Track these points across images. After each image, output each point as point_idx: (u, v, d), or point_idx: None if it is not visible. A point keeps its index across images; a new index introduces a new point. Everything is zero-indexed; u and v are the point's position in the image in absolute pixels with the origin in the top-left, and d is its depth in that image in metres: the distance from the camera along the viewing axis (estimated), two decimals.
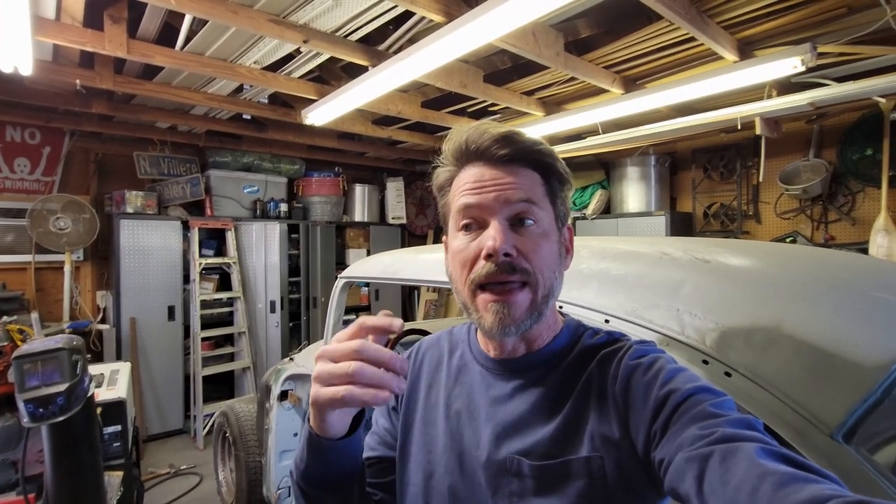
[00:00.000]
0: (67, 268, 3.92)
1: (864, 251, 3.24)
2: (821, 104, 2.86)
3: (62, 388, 1.61)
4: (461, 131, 0.67)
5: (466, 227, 0.65)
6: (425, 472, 0.71)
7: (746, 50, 2.61)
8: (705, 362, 0.86)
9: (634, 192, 4.44)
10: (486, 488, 0.65)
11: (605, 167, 4.74)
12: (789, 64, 2.27)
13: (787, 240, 3.76)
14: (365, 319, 0.55)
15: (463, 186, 0.65)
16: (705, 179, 4.32)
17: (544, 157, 0.66)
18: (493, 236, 0.61)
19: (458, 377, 0.75)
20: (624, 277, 1.08)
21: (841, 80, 2.80)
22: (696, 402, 0.54)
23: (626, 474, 0.59)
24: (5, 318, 3.33)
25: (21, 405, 1.56)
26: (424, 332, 2.61)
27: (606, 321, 1.02)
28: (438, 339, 0.83)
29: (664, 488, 0.53)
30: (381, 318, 0.55)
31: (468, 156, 0.66)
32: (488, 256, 0.61)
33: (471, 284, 0.63)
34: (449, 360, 0.78)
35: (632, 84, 3.19)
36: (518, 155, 0.64)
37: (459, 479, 0.68)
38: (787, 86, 3.05)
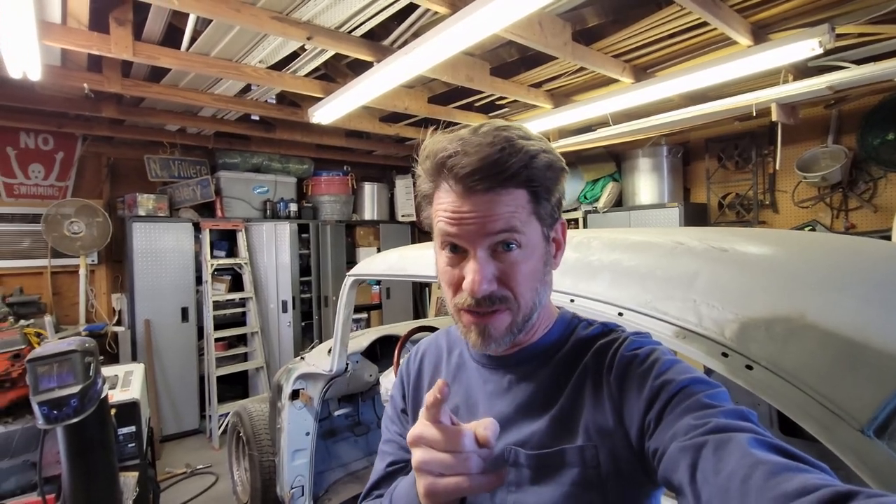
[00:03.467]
0: (82, 271, 3.97)
1: (887, 238, 3.14)
2: (840, 88, 2.76)
3: (76, 389, 1.63)
4: (433, 148, 0.62)
5: (451, 249, 0.65)
6: None
7: (761, 33, 2.54)
8: (725, 355, 0.82)
9: (646, 184, 4.37)
10: None
11: (616, 159, 4.67)
12: (807, 46, 2.20)
13: (807, 229, 3.67)
14: (428, 399, 0.53)
15: (442, 212, 0.63)
16: (720, 169, 4.23)
17: (533, 174, 0.61)
18: (473, 273, 0.61)
19: (456, 375, 0.77)
20: (637, 268, 1.05)
21: (860, 62, 2.70)
22: (690, 393, 0.55)
23: (620, 463, 0.60)
24: (23, 322, 3.38)
25: (36, 407, 1.58)
26: (435, 330, 2.59)
27: (620, 314, 0.98)
28: (437, 339, 0.85)
29: (658, 478, 0.54)
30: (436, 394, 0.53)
31: (444, 177, 0.62)
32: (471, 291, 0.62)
33: (455, 307, 0.66)
34: (448, 358, 0.80)
35: (642, 73, 3.12)
36: (500, 185, 0.60)
37: None
38: (803, 70, 2.96)
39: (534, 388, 0.68)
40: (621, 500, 0.60)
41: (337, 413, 2.55)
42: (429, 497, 0.52)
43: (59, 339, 3.06)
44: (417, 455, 0.52)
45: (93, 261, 4.16)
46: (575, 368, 0.67)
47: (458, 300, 0.64)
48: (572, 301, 1.07)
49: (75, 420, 1.62)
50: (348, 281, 2.10)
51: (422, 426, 0.53)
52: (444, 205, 0.63)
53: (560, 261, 0.71)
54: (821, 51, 2.20)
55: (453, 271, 0.65)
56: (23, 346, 3.23)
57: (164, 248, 4.17)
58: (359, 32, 2.50)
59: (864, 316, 0.82)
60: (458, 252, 0.64)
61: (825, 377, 0.74)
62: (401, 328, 2.87)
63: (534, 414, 0.66)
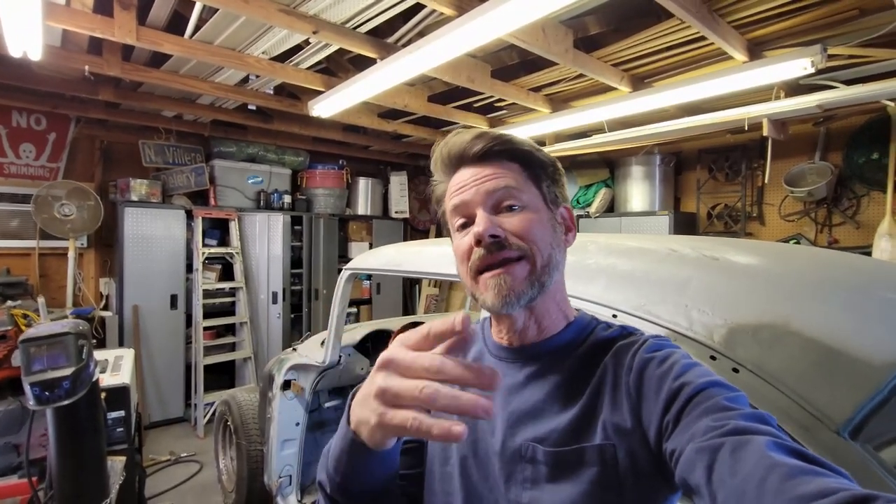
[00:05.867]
0: (71, 254, 3.93)
1: (868, 255, 3.24)
2: (829, 106, 2.85)
3: (68, 372, 1.62)
4: (442, 145, 0.72)
5: (462, 227, 0.69)
6: (440, 460, 0.73)
7: (756, 50, 2.61)
8: (713, 358, 0.86)
9: (638, 192, 4.44)
10: (500, 474, 0.66)
11: (610, 166, 4.74)
12: (799, 65, 2.27)
13: (791, 242, 3.76)
14: (433, 325, 0.46)
15: (451, 191, 0.71)
16: (710, 180, 4.32)
17: (516, 146, 0.69)
18: (477, 223, 0.65)
19: None
20: (632, 273, 1.09)
21: (850, 82, 2.79)
22: (709, 396, 0.55)
23: (637, 463, 0.60)
24: (9, 304, 3.34)
25: (27, 388, 1.57)
26: None
27: (614, 316, 1.02)
28: None
29: (675, 479, 0.53)
30: (447, 322, 0.44)
31: (452, 165, 0.71)
32: (477, 243, 0.65)
33: (470, 272, 0.67)
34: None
35: (640, 82, 3.18)
36: (492, 148, 0.68)
37: (473, 466, 0.70)
38: (795, 87, 3.04)
39: (552, 384, 0.68)
40: (638, 500, 0.60)
41: (327, 405, 2.57)
42: (379, 427, 0.45)
43: (52, 321, 3.03)
44: (380, 378, 0.45)
45: (82, 244, 4.12)
46: (595, 368, 0.67)
47: (470, 262, 0.66)
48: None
49: (67, 402, 1.61)
50: (345, 274, 2.12)
51: (398, 345, 0.46)
52: (454, 186, 0.70)
53: (572, 240, 0.74)
54: (813, 70, 2.28)
55: (463, 241, 0.68)
56: (9, 328, 3.20)
57: (155, 234, 4.14)
58: (364, 29, 2.52)
59: (843, 324, 0.86)
60: (468, 227, 0.68)
61: (806, 381, 0.79)
62: (392, 323, 2.90)
63: (552, 411, 0.66)
